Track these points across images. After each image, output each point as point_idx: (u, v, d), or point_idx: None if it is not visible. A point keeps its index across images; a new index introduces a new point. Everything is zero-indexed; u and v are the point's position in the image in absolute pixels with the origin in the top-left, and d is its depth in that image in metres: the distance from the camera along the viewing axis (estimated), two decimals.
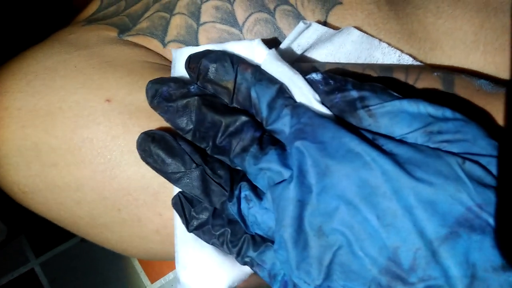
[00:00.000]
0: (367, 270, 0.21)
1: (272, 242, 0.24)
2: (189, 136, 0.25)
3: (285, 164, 0.23)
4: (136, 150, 0.26)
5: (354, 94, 0.23)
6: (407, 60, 0.31)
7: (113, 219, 0.28)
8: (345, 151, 0.21)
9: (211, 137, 0.24)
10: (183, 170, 0.25)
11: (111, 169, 0.27)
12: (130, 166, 0.27)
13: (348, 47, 0.30)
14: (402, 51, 0.31)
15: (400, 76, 0.27)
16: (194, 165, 0.25)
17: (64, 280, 0.52)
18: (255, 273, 0.25)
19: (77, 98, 0.27)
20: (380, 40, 0.30)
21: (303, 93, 0.24)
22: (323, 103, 0.23)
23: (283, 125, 0.23)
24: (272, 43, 0.29)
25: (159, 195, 0.27)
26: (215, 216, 0.26)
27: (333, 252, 0.21)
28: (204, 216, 0.26)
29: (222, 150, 0.25)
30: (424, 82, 0.27)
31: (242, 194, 0.24)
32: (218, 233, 0.25)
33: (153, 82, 0.25)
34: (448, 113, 0.22)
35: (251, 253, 0.24)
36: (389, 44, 0.31)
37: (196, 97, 0.25)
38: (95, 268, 0.51)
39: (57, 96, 0.27)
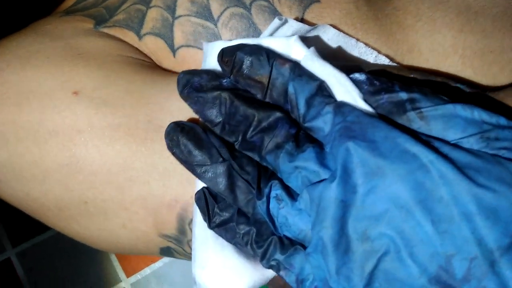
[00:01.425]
0: (414, 278, 0.19)
1: (301, 245, 0.23)
2: (217, 129, 0.24)
3: (323, 163, 0.22)
4: (100, 144, 0.26)
5: (403, 95, 0.22)
6: (383, 61, 0.31)
7: (79, 212, 0.28)
8: (400, 151, 0.20)
9: (241, 132, 0.24)
10: (208, 163, 0.24)
11: (76, 163, 0.26)
12: (95, 160, 0.26)
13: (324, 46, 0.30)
14: (379, 51, 0.31)
15: None
16: (220, 159, 0.24)
17: (41, 270, 0.52)
18: (280, 277, 0.24)
19: (46, 89, 0.27)
20: (358, 39, 0.30)
21: (348, 91, 0.23)
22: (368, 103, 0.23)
23: (324, 123, 0.22)
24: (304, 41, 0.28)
25: (124, 189, 0.26)
26: (239, 214, 0.25)
27: (377, 258, 0.20)
28: (227, 213, 0.25)
29: (252, 146, 0.24)
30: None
31: (273, 193, 0.23)
32: (242, 232, 0.24)
33: (185, 73, 0.25)
34: (502, 120, 0.21)
35: (279, 256, 0.23)
36: (366, 44, 0.31)
37: (228, 90, 0.24)
38: (71, 260, 0.51)
39: (26, 87, 0.27)
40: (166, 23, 0.30)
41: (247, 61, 0.24)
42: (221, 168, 0.24)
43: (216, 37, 0.30)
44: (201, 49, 0.30)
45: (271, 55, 0.24)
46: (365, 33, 0.31)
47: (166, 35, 0.30)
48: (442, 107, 0.21)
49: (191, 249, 0.28)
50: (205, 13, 0.30)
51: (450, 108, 0.21)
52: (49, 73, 0.27)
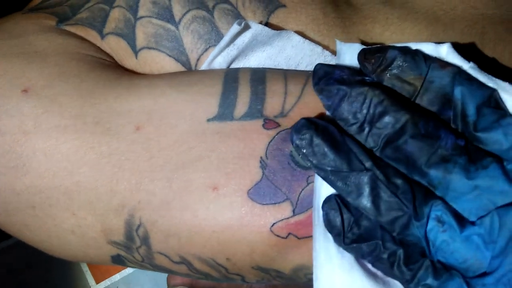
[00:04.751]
0: None
1: (457, 271, 0.21)
2: (352, 130, 0.22)
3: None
4: (47, 147, 0.25)
5: None
6: None
7: (28, 217, 0.27)
8: None
9: (386, 137, 0.21)
10: (345, 171, 0.21)
11: (22, 166, 0.25)
12: (41, 163, 0.25)
13: (288, 52, 0.29)
14: None
15: None
16: (362, 167, 0.21)
17: (8, 276, 0.51)
18: None
19: None
20: (323, 47, 0.30)
21: None
22: None
23: (503, 134, 0.20)
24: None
25: (72, 194, 0.25)
26: (383, 231, 0.22)
27: None
28: (361, 229, 0.22)
29: (402, 156, 0.21)
30: None
31: (432, 214, 0.21)
32: (389, 251, 0.21)
33: (324, 64, 0.23)
34: None
35: (431, 280, 0.21)
36: (332, 53, 0.30)
37: (377, 87, 0.22)
38: (40, 266, 0.50)
39: None
40: (128, 24, 0.30)
41: (399, 59, 0.22)
42: (363, 178, 0.21)
43: (177, 39, 0.29)
44: (162, 51, 0.29)
45: (427, 57, 0.22)
46: (332, 40, 0.30)
47: (128, 35, 0.30)
48: None
49: (141, 256, 0.27)
50: (167, 15, 0.29)
51: None
52: (2, 70, 0.27)
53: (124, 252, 0.27)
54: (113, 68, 0.29)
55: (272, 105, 0.25)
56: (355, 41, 0.31)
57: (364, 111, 0.22)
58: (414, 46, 0.23)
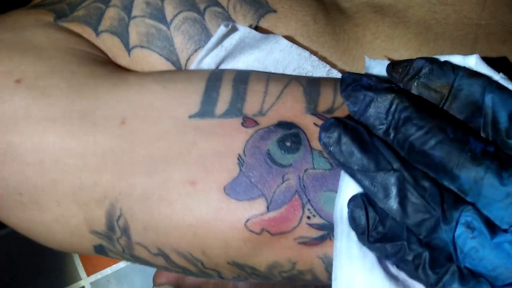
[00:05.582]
0: None
1: (485, 279, 0.21)
2: (378, 135, 0.23)
3: None
4: (35, 136, 0.26)
5: None
6: (335, 75, 0.31)
7: (16, 203, 0.28)
8: None
9: (411, 142, 0.21)
10: (373, 170, 0.22)
11: (11, 152, 0.26)
12: (28, 152, 0.26)
13: (276, 55, 0.30)
14: (334, 66, 0.31)
15: (328, 91, 0.27)
16: (389, 167, 0.21)
17: (0, 267, 0.52)
18: None
19: None
20: (311, 52, 0.30)
21: None
22: None
23: None
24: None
25: (57, 183, 0.26)
26: (409, 232, 0.22)
27: None
28: (385, 228, 0.22)
29: (430, 161, 0.21)
30: None
31: (462, 219, 0.21)
32: (414, 253, 0.21)
33: (352, 73, 0.24)
34: None
35: (457, 286, 0.21)
36: (320, 58, 0.31)
37: (403, 94, 0.22)
38: (32, 257, 0.51)
39: None
40: (122, 23, 0.30)
41: (426, 67, 0.22)
42: (391, 178, 0.21)
43: (168, 39, 0.30)
44: (154, 50, 0.30)
45: (455, 66, 0.23)
46: (321, 46, 0.31)
47: (122, 34, 0.30)
48: None
49: (122, 247, 0.27)
50: (159, 15, 0.30)
51: None
52: None
53: (106, 242, 0.28)
54: (106, 64, 0.30)
55: (252, 104, 0.26)
56: (344, 47, 0.32)
57: (390, 117, 0.22)
58: (442, 58, 0.24)
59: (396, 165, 0.22)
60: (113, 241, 0.27)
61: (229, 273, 0.27)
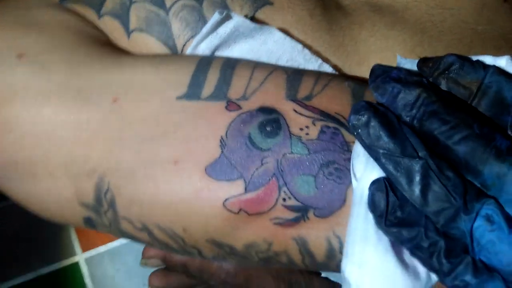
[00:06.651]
0: None
1: (499, 273, 0.21)
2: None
3: None
4: (31, 108, 0.27)
5: None
6: (327, 69, 0.31)
7: (11, 173, 0.29)
8: None
9: (434, 137, 0.22)
10: (398, 155, 0.22)
11: (9, 123, 0.28)
12: (25, 123, 0.27)
13: (269, 46, 0.31)
14: (328, 60, 0.32)
15: (309, 80, 0.28)
16: (415, 154, 0.22)
17: None
18: None
19: None
20: (305, 46, 0.31)
21: None
22: None
23: None
24: None
25: (50, 154, 0.28)
26: (427, 220, 0.22)
27: None
28: (404, 213, 0.22)
29: (454, 155, 0.21)
30: (332, 90, 0.28)
31: (482, 212, 0.21)
32: (430, 241, 0.22)
33: (381, 65, 0.24)
34: None
35: (470, 278, 0.21)
36: (314, 52, 0.31)
37: (430, 87, 0.22)
38: (29, 230, 0.52)
39: None
40: (124, 7, 0.32)
41: (457, 63, 0.23)
42: (415, 165, 0.21)
43: (166, 25, 0.31)
44: (152, 35, 0.31)
45: (486, 65, 0.23)
46: (315, 40, 0.32)
47: (122, 17, 0.32)
48: None
49: (109, 220, 0.29)
50: (159, 1, 0.31)
51: None
52: (3, 35, 0.29)
53: (94, 215, 0.29)
54: (105, 45, 0.31)
55: (236, 89, 0.27)
56: (339, 43, 0.32)
57: (415, 110, 0.22)
58: (473, 58, 0.24)
59: (422, 153, 0.22)
60: (101, 214, 0.29)
61: (209, 251, 0.28)
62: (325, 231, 0.25)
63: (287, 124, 0.26)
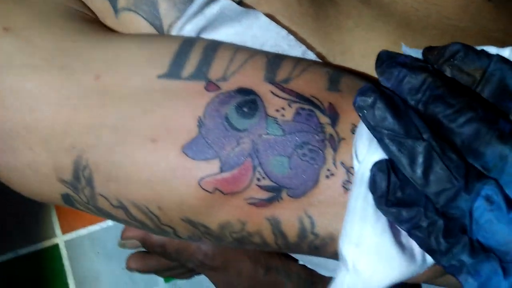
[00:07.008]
0: None
1: (495, 254, 0.21)
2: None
3: None
4: (13, 82, 0.27)
5: None
6: (311, 56, 0.32)
7: None
8: None
9: (438, 120, 0.22)
10: (401, 135, 0.22)
11: None
12: (7, 96, 0.27)
13: (255, 31, 0.31)
14: (313, 48, 0.32)
15: (288, 64, 0.28)
16: (419, 136, 0.22)
17: None
18: (457, 280, 0.22)
19: None
20: (290, 32, 0.31)
21: None
22: None
23: None
24: None
25: (30, 129, 0.27)
26: (427, 200, 0.22)
27: None
28: (404, 194, 0.22)
29: (457, 137, 0.22)
30: (309, 74, 0.28)
31: (483, 192, 0.21)
32: (429, 220, 0.22)
33: (388, 51, 0.24)
34: None
35: (466, 257, 0.21)
36: (299, 39, 0.32)
37: (435, 73, 0.23)
38: (10, 210, 0.52)
39: None
40: None
41: (461, 51, 0.23)
42: (419, 147, 0.22)
43: (154, 5, 0.31)
44: (139, 14, 0.31)
45: (490, 53, 0.23)
46: (300, 27, 0.32)
47: None
48: None
49: (86, 197, 0.29)
50: None
51: None
52: None
53: (72, 191, 0.29)
54: (93, 23, 0.31)
55: (216, 70, 0.27)
56: (325, 32, 0.32)
57: (420, 94, 0.23)
58: (478, 48, 0.24)
59: (426, 135, 0.22)
60: (78, 191, 0.29)
61: (184, 230, 0.28)
62: (297, 211, 0.26)
63: (263, 106, 0.26)
